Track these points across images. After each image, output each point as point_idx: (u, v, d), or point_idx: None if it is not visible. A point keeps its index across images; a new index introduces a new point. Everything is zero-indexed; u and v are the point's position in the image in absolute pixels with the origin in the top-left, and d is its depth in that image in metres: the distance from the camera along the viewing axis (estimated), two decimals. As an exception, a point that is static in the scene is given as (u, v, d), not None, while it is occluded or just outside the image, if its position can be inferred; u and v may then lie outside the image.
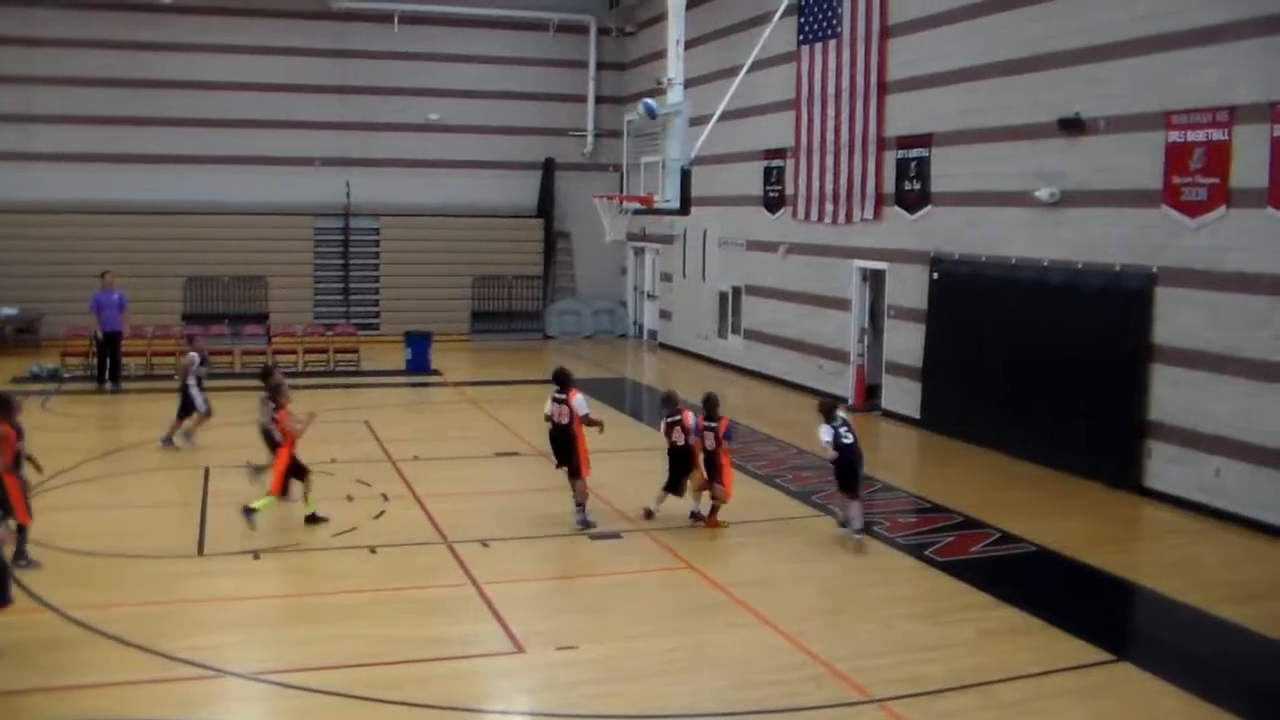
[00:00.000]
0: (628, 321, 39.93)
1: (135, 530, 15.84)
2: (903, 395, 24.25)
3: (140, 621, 12.41)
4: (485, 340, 37.10)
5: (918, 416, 23.66)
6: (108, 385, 27.76)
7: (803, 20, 27.54)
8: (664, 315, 37.13)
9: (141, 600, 13.25)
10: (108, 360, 28.02)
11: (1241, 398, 16.74)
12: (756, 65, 24.47)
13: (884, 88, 24.90)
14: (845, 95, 26.12)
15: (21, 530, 13.99)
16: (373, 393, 25.55)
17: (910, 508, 17.72)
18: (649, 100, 20.24)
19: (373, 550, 15.00)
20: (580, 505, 16.30)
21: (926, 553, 15.27)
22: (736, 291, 31.77)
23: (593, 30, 39.34)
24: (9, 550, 13.17)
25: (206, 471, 19.01)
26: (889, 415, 24.55)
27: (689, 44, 26.75)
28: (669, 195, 22.34)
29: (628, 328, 39.83)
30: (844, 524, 15.97)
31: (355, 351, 31.69)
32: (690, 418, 16.51)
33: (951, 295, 22.79)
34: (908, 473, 20.66)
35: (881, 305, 25.38)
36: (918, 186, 23.77)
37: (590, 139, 39.62)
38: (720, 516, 16.39)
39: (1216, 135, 17.00)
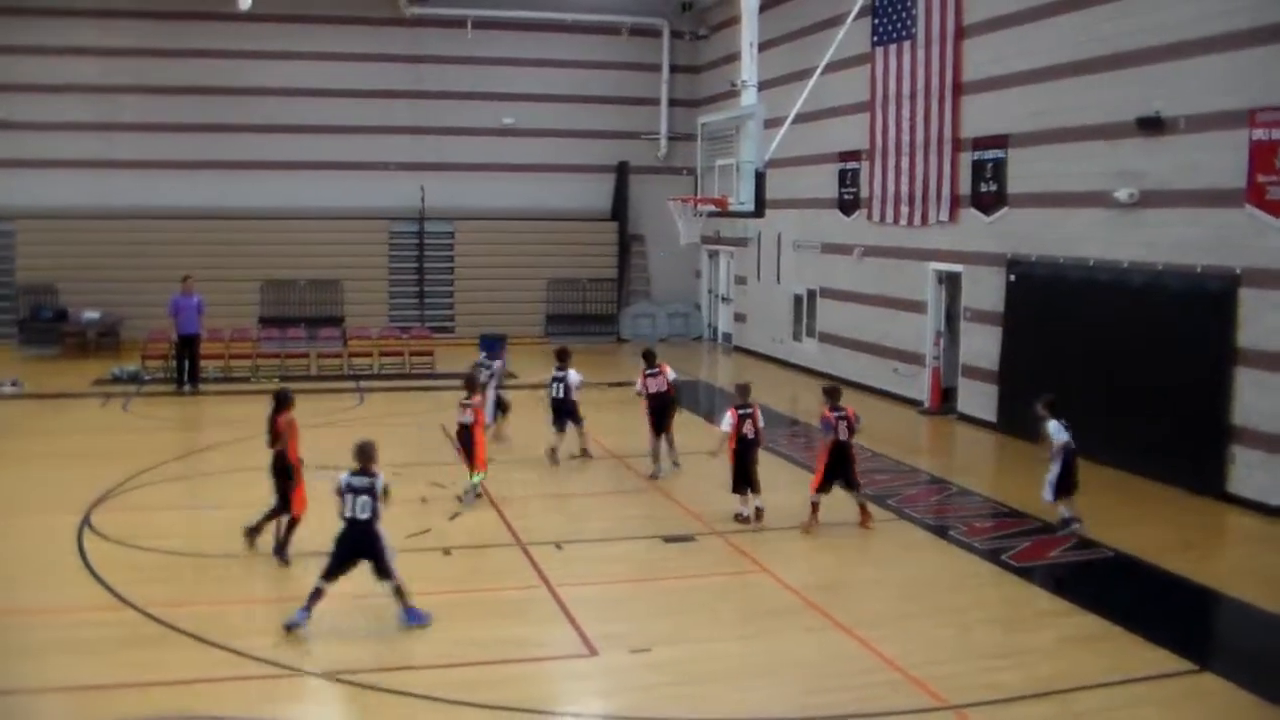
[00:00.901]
0: (702, 324, 39.84)
1: (213, 530, 15.96)
2: (979, 398, 24.01)
3: (218, 620, 12.55)
4: (560, 343, 37.08)
5: (994, 420, 23.42)
6: (186, 387, 28.08)
7: (877, 22, 27.37)
8: (738, 318, 37.02)
9: (220, 599, 13.41)
10: (186, 363, 28.35)
11: (1328, 402, 16.44)
12: (830, 67, 24.44)
13: (959, 88, 24.69)
14: (920, 96, 25.92)
15: (291, 523, 14.59)
16: (447, 395, 25.55)
17: (987, 512, 17.54)
18: None
19: (446, 552, 15.05)
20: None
21: (1003, 557, 15.08)
22: (811, 294, 31.62)
23: (666, 34, 39.30)
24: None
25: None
26: (965, 419, 24.33)
27: (762, 46, 26.74)
28: (743, 198, 22.36)
29: (702, 331, 39.74)
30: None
31: (430, 354, 31.84)
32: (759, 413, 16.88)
33: (1028, 298, 22.54)
34: (984, 477, 20.46)
35: (957, 308, 25.14)
36: (994, 188, 23.54)
37: (664, 142, 39.60)
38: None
39: (1302, 134, 16.72)
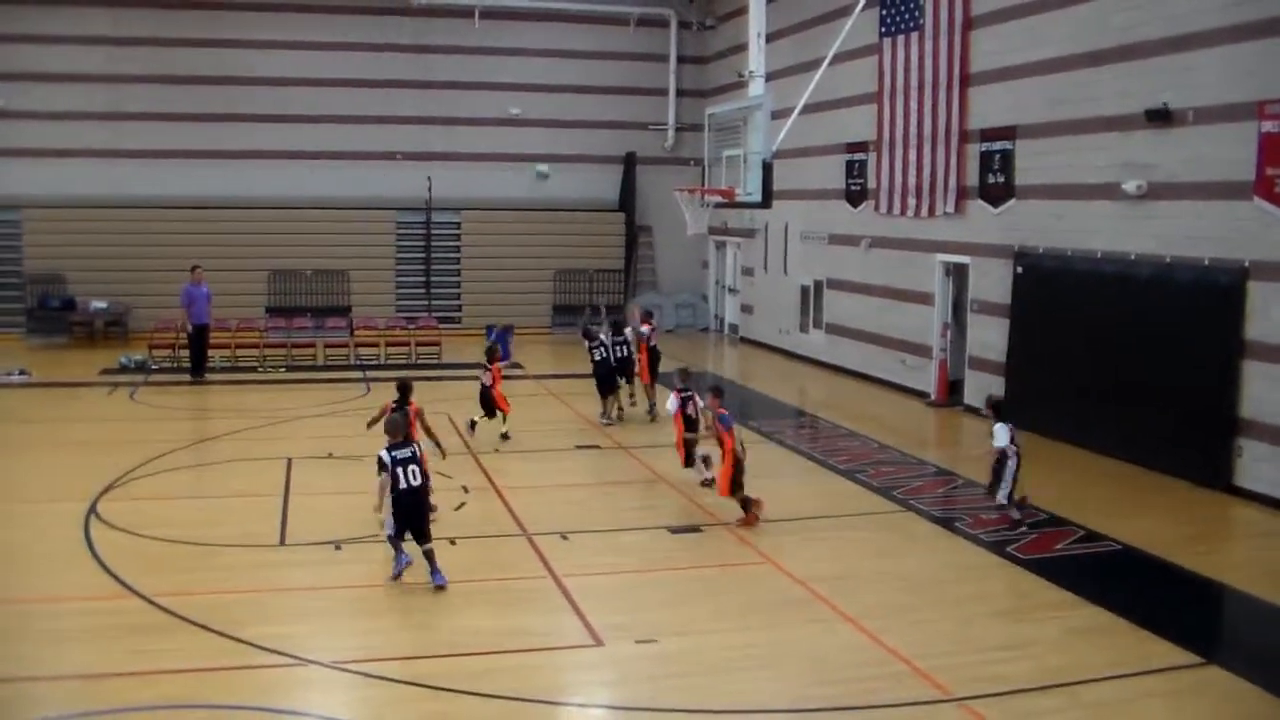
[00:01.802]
0: (709, 315, 39.81)
1: (219, 519, 16.03)
2: (986, 390, 23.89)
3: (223, 609, 12.55)
4: (567, 334, 37.07)
5: (1001, 412, 23.34)
6: (199, 376, 28.16)
7: (884, 12, 27.28)
8: (745, 309, 36.98)
9: (224, 588, 13.41)
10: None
11: (1336, 395, 16.39)
12: (838, 58, 24.36)
13: (967, 80, 24.61)
14: (928, 87, 25.84)
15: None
16: (454, 385, 25.61)
17: (993, 504, 17.49)
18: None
19: (453, 542, 15.01)
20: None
21: (1009, 550, 15.06)
22: (818, 285, 31.57)
23: (673, 24, 39.24)
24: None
25: (289, 463, 19.18)
26: (972, 411, 24.26)
27: (770, 37, 26.79)
28: (750, 189, 22.33)
29: (709, 322, 39.71)
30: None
31: (437, 344, 31.86)
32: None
33: (1036, 290, 22.49)
34: (990, 469, 20.35)
35: (965, 299, 25.10)
36: (1001, 180, 23.48)
37: (671, 133, 39.54)
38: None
39: (1311, 126, 16.65)
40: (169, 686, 10.64)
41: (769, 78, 27.62)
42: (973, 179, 24.45)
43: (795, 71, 29.16)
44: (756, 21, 23.92)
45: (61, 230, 35.21)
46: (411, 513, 13.50)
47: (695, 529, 15.90)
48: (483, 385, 21.17)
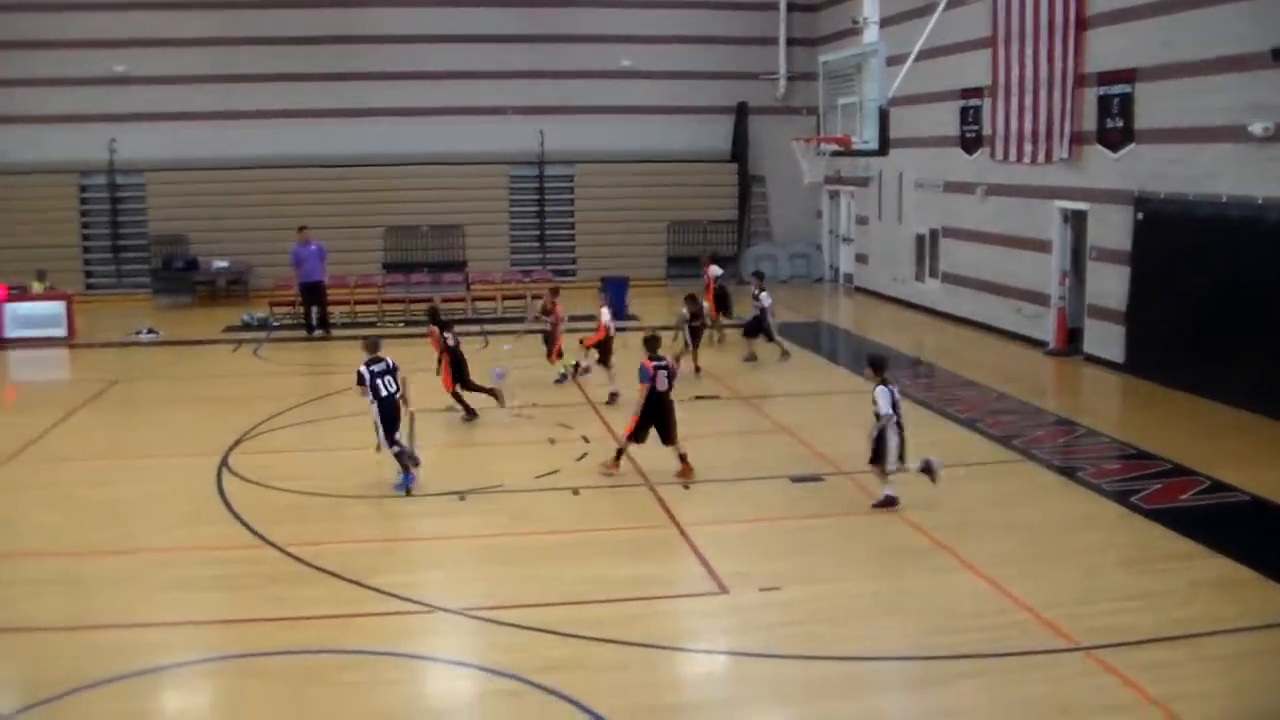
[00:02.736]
0: (823, 265, 39.59)
1: (346, 471, 16.39)
2: (1106, 339, 23.63)
3: (354, 558, 12.90)
4: (682, 285, 37.03)
5: (1121, 361, 23.03)
6: (316, 333, 28.70)
7: (1000, -45, 26.86)
8: (860, 259, 36.76)
9: (355, 538, 13.79)
10: (313, 309, 28.96)
11: None
12: (952, 2, 24.05)
13: (1083, 22, 24.15)
14: (1044, 31, 25.38)
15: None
16: (570, 337, 25.80)
17: (1115, 454, 17.32)
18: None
19: (575, 492, 15.26)
20: None
21: (1133, 499, 14.89)
22: (933, 234, 31.29)
23: (783, -27, 38.91)
24: None
25: (411, 416, 19.48)
26: (1091, 359, 23.96)
27: (884, -17, 26.45)
28: (867, 136, 22.17)
29: (823, 271, 39.47)
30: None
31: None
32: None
33: (1157, 236, 22.10)
34: (1112, 418, 20.17)
35: (1083, 247, 24.75)
36: (1120, 124, 23.05)
37: (783, 82, 39.21)
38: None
39: None
40: (305, 632, 11.00)
41: (883, 24, 27.40)
42: (1089, 123, 24.04)
43: (909, 17, 28.85)
44: (870, -32, 23.71)
45: (182, 192, 36.09)
46: (389, 417, 15.46)
47: (817, 478, 15.93)
48: (543, 332, 22.67)
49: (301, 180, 36.21)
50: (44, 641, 11.13)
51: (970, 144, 29.27)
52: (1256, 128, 19.27)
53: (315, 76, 36.58)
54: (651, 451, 16.17)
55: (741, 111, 38.86)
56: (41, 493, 15.99)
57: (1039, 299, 26.05)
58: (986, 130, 28.31)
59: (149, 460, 17.38)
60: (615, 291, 30.40)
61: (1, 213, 35.25)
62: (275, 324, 30.17)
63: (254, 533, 13.88)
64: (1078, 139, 24.34)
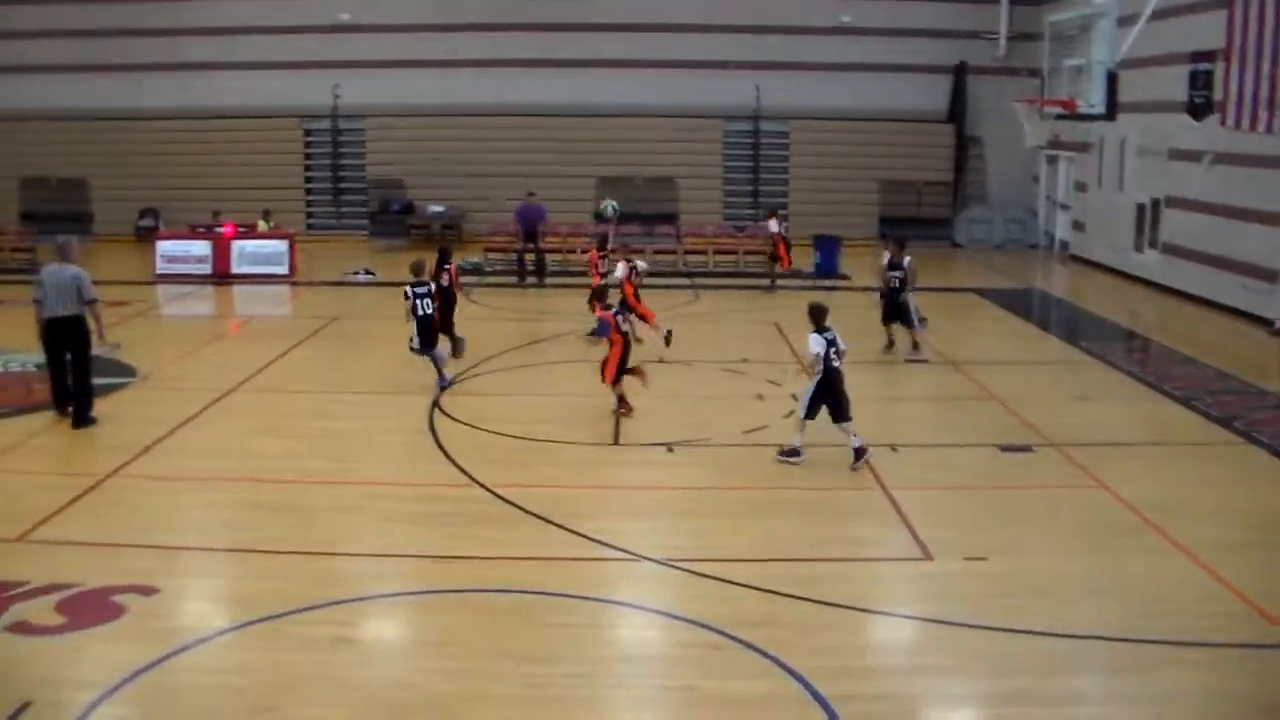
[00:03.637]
0: (1038, 231, 38.58)
1: (555, 417, 16.63)
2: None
3: (560, 503, 13.06)
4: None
5: (1356, 341, 21.99)
6: (530, 280, 29.14)
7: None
8: (1077, 226, 35.72)
9: (561, 483, 13.93)
10: (529, 256, 29.45)
11: None
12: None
13: (1335, -17, 22.97)
14: (1289, -9, 24.22)
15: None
16: (781, 295, 25.76)
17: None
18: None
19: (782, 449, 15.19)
20: None
21: (1365, 489, 14.21)
22: (1155, 203, 30.21)
23: (1009, -72, 37.80)
24: None
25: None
26: (1323, 339, 22.95)
27: (1116, -61, 25.50)
28: (1093, 100, 21.57)
29: (1038, 238, 38.46)
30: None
31: (764, 254, 31.98)
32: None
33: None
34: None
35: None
36: (1369, 92, 21.91)
37: (1003, 42, 38.05)
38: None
39: None
40: (512, 572, 11.18)
41: (1113, -17, 26.46)
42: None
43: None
44: (1101, -76, 22.95)
45: (401, 138, 37.09)
46: (426, 331, 17.96)
47: (1027, 448, 15.55)
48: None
49: (518, 129, 36.73)
50: (263, 563, 11.59)
51: (1199, 110, 28.06)
52: None
53: (535, 27, 36.93)
54: (861, 415, 16.01)
55: (960, 71, 37.98)
56: (264, 421, 16.69)
57: (1266, 274, 24.93)
58: (1218, 95, 27.13)
59: (365, 396, 17.89)
60: (826, 250, 30.24)
61: (231, 155, 36.74)
62: (489, 269, 30.69)
63: (464, 472, 14.16)
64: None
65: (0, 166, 37.25)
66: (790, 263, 28.30)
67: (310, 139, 38.34)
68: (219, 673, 9.34)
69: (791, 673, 9.23)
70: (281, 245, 30.32)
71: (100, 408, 16.45)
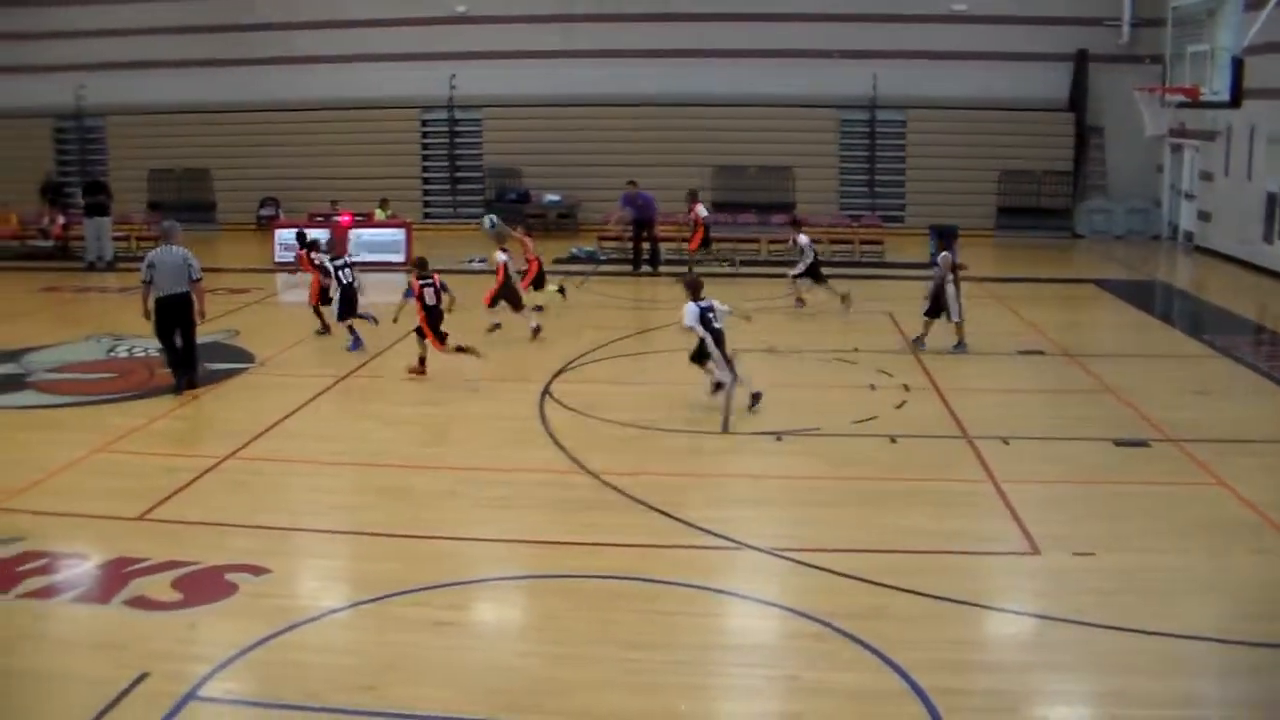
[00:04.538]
0: (1162, 222, 37.77)
1: (663, 405, 16.64)
2: None
3: (667, 491, 13.06)
4: (1011, 237, 36.12)
5: None
6: (644, 269, 29.23)
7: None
8: (1202, 217, 34.90)
9: (669, 471, 13.96)
10: (642, 247, 29.50)
11: None
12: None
13: None
14: None
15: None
16: (896, 285, 25.49)
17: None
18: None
19: (893, 440, 15.06)
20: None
21: None
22: (1286, 193, 29.44)
23: (1133, -89, 37.00)
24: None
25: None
26: None
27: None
28: (1217, 87, 21.11)
29: (1162, 228, 37.63)
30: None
31: (880, 243, 31.82)
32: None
33: None
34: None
35: None
36: None
37: (1126, 28, 37.18)
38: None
39: None
40: (617, 559, 11.23)
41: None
42: None
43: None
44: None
45: (517, 128, 37.55)
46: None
47: (1142, 443, 15.20)
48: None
49: (633, 119, 36.87)
50: (371, 546, 11.82)
51: (1334, 96, 27.34)
52: None
53: (649, 17, 37.05)
54: (973, 407, 15.86)
55: (1081, 59, 37.21)
56: (378, 407, 17.04)
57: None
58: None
59: (489, 384, 18.07)
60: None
61: (350, 145, 37.46)
62: (603, 258, 30.83)
63: (572, 459, 14.23)
64: None
65: (128, 158, 38.51)
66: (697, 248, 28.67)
67: (427, 129, 38.93)
68: (324, 651, 9.53)
69: (893, 665, 9.15)
70: (399, 234, 30.77)
71: (218, 392, 17.17)
